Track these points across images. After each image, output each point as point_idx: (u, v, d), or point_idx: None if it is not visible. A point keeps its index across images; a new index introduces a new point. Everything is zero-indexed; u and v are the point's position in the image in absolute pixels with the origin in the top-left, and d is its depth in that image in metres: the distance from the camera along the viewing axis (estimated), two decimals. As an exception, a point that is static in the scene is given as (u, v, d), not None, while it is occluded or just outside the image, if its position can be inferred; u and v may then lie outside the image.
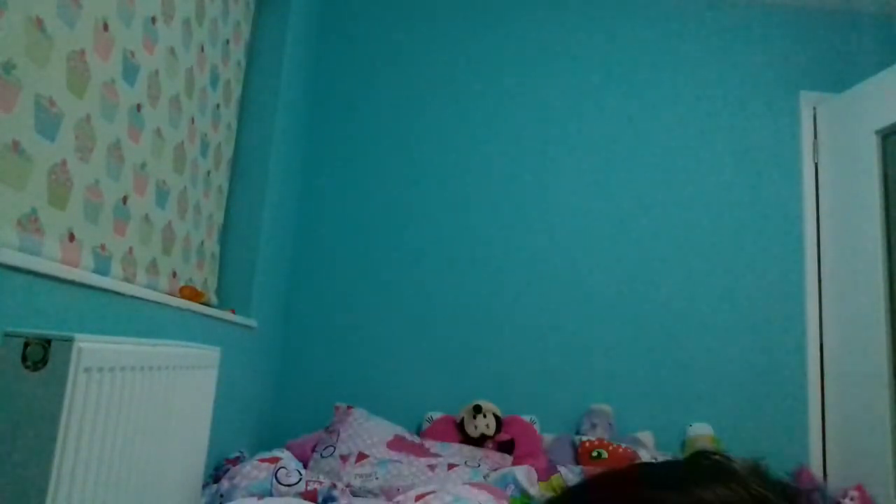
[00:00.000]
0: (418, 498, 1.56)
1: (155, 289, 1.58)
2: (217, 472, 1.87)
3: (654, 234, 2.79)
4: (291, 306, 2.66)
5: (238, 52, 2.20)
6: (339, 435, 2.16)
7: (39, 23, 1.08)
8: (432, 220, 2.73)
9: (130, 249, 1.50)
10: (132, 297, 1.35)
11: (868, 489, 2.29)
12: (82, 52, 1.22)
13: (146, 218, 1.57)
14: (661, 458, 2.34)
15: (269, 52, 2.35)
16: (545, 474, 2.14)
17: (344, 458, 2.06)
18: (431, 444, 2.23)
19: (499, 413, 2.43)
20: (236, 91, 2.23)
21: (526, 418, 2.50)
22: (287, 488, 1.68)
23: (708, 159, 2.87)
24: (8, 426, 0.83)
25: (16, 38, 1.02)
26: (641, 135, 2.87)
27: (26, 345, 0.85)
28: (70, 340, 0.87)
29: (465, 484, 1.73)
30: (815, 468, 2.58)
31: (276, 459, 1.82)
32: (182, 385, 1.31)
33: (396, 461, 2.07)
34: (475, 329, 2.66)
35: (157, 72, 1.57)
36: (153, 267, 1.64)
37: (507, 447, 2.34)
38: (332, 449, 2.11)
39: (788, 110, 2.92)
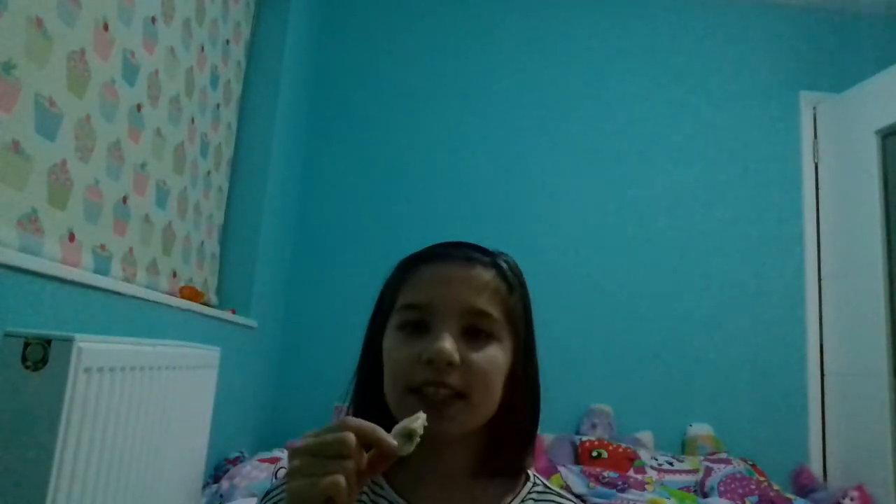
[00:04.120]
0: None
1: (155, 289, 1.57)
2: (217, 472, 1.87)
3: (654, 234, 2.78)
4: (291, 306, 2.66)
5: (238, 52, 2.20)
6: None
7: (39, 23, 1.08)
8: (432, 220, 2.73)
9: (130, 249, 1.50)
10: (132, 297, 1.35)
11: (868, 489, 2.29)
12: (82, 52, 1.22)
13: (146, 218, 1.57)
14: (661, 458, 2.34)
15: (269, 52, 2.35)
16: (545, 475, 2.13)
17: (344, 458, 2.06)
18: (431, 444, 2.23)
19: (499, 413, 2.42)
20: (236, 91, 2.23)
21: (526, 418, 2.49)
22: (287, 488, 1.67)
23: (708, 159, 2.87)
24: (8, 426, 0.83)
25: (16, 38, 1.02)
26: (641, 134, 2.87)
27: (26, 345, 0.85)
28: (70, 340, 0.87)
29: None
30: (815, 468, 2.58)
31: (276, 459, 1.82)
32: (182, 385, 1.31)
33: (396, 461, 2.06)
34: (475, 329, 2.65)
35: (157, 72, 1.57)
36: (153, 267, 1.64)
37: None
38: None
39: (788, 110, 2.92)
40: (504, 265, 0.63)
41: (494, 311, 0.58)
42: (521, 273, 0.66)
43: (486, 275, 0.59)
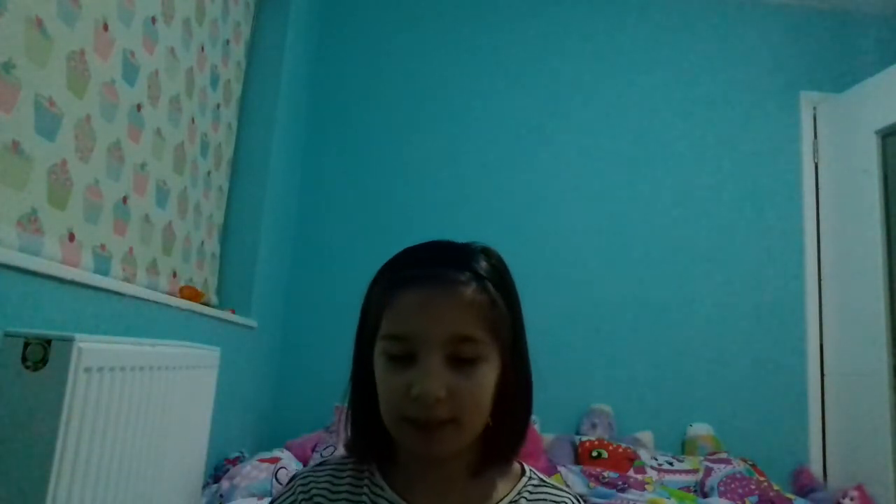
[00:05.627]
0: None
1: (155, 289, 1.57)
2: (217, 472, 1.87)
3: (654, 234, 2.78)
4: (291, 306, 2.65)
5: (238, 52, 2.20)
6: (339, 435, 2.16)
7: (39, 23, 1.08)
8: (433, 220, 2.73)
9: (130, 249, 1.50)
10: (132, 297, 1.35)
11: (868, 489, 2.29)
12: (82, 52, 1.22)
13: (146, 218, 1.57)
14: (661, 458, 2.34)
15: (269, 52, 2.35)
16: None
17: (344, 458, 2.06)
18: (431, 444, 2.23)
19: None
20: (236, 91, 2.23)
21: (526, 418, 2.49)
22: (287, 488, 1.67)
23: (708, 159, 2.87)
24: (8, 426, 0.83)
25: (16, 38, 1.02)
26: (641, 135, 2.87)
27: (26, 345, 0.85)
28: (70, 340, 0.87)
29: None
30: (815, 468, 2.58)
31: (276, 459, 1.82)
32: (182, 385, 1.31)
33: (396, 461, 2.06)
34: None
35: (157, 72, 1.57)
36: (153, 267, 1.64)
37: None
38: (332, 449, 2.11)
39: (788, 110, 2.92)
40: (484, 272, 0.60)
41: (478, 332, 0.57)
42: (504, 267, 0.64)
43: (467, 294, 0.57)
